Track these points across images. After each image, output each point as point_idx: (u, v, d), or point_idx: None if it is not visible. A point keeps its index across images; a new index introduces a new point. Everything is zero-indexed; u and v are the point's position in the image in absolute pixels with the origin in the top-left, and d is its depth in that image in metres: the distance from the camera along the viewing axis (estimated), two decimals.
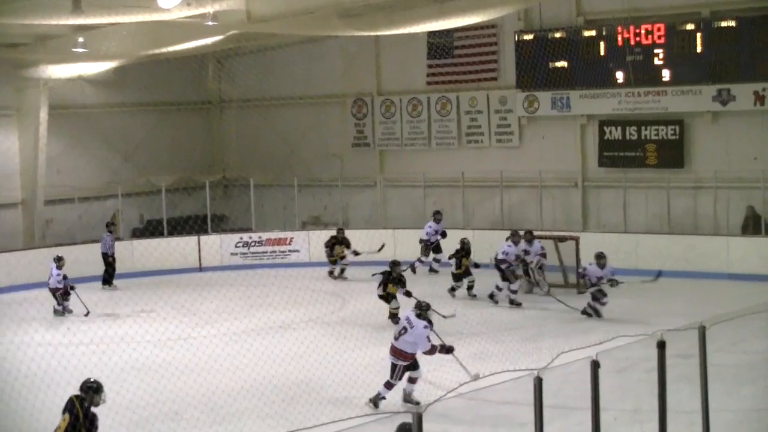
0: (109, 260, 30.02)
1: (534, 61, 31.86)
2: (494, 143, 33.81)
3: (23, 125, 33.44)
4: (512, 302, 25.22)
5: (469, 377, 16.69)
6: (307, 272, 31.14)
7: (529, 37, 32.08)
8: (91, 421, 12.22)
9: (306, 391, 17.68)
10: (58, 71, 32.25)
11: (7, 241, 32.02)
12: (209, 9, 25.51)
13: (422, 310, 16.89)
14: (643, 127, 30.64)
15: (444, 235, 29.60)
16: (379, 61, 36.15)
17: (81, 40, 28.23)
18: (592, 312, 23.42)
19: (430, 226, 29.98)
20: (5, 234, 32.46)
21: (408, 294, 22.87)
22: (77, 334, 22.67)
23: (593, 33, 30.87)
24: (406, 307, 19.96)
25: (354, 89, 36.60)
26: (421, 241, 30.09)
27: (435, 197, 33.98)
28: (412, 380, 16.70)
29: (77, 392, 12.30)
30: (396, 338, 16.76)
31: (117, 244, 30.51)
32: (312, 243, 31.66)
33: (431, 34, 33.06)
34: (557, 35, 31.49)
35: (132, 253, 31.75)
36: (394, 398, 16.63)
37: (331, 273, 30.48)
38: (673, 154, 30.32)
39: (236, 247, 33.26)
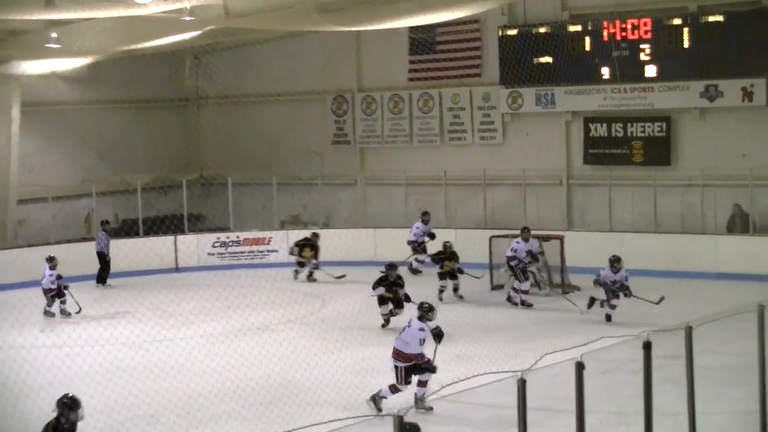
0: (106, 259, 29.99)
1: (518, 57, 31.64)
2: (477, 140, 33.59)
3: None
4: (523, 303, 24.82)
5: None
6: (286, 273, 30.74)
7: (512, 32, 31.84)
8: None
9: (285, 394, 17.53)
10: (30, 67, 31.90)
11: None
12: (186, 4, 25.26)
13: (422, 311, 16.67)
14: (629, 124, 30.49)
15: (432, 236, 29.48)
16: (359, 56, 35.93)
17: (54, 35, 27.82)
18: (611, 313, 22.70)
19: (417, 227, 29.83)
20: None
21: (407, 299, 22.62)
22: (50, 336, 22.80)
23: (578, 28, 30.71)
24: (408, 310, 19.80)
25: (334, 86, 36.35)
26: (409, 242, 29.79)
27: (417, 196, 33.80)
28: (421, 383, 16.36)
29: (53, 403, 11.70)
30: (396, 338, 16.69)
31: (92, 244, 30.34)
32: (291, 243, 31.16)
33: (413, 29, 32.85)
34: (542, 30, 31.28)
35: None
36: (390, 398, 16.32)
37: (296, 273, 29.98)
38: (659, 152, 30.18)
39: (214, 247, 33.00)
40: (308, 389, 17.75)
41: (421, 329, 16.36)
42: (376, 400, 16.25)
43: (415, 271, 29.59)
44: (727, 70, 28.62)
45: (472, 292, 25.94)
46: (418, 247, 29.62)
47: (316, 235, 30.17)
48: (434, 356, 16.46)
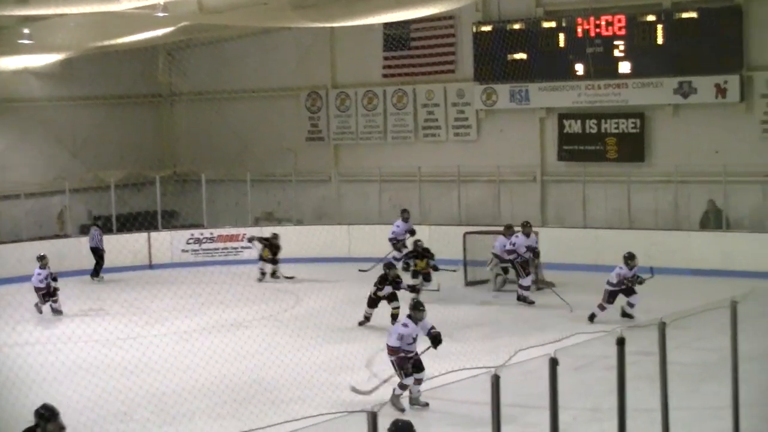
0: (100, 254, 30.18)
1: (492, 53, 31.56)
2: (451, 137, 33.52)
3: None
4: (524, 299, 24.63)
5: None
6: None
7: (487, 28, 31.79)
8: None
9: (259, 391, 17.45)
10: (2, 63, 31.65)
11: None
12: (159, 0, 24.99)
13: (410, 308, 16.70)
14: (603, 121, 30.48)
15: (413, 233, 29.13)
16: (334, 53, 35.77)
17: (27, 31, 27.75)
18: (630, 314, 22.28)
19: (398, 225, 29.57)
20: None
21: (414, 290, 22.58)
22: (23, 333, 22.55)
23: (553, 24, 30.73)
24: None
25: (308, 82, 36.18)
26: (389, 240, 29.58)
27: (391, 192, 33.68)
28: (417, 381, 16.28)
29: (26, 401, 11.38)
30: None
31: (64, 241, 30.22)
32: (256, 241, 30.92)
33: (387, 25, 32.71)
34: (516, 27, 31.27)
35: (80, 250, 31.07)
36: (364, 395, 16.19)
37: (262, 273, 29.67)
38: (633, 148, 30.20)
39: (187, 243, 32.88)
40: (282, 386, 17.69)
41: (404, 325, 16.33)
42: (394, 402, 15.97)
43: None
44: (701, 67, 28.66)
45: (447, 288, 25.80)
46: (398, 244, 29.45)
47: (275, 236, 29.90)
48: (420, 353, 16.48)
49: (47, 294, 25.14)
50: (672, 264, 27.13)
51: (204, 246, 32.80)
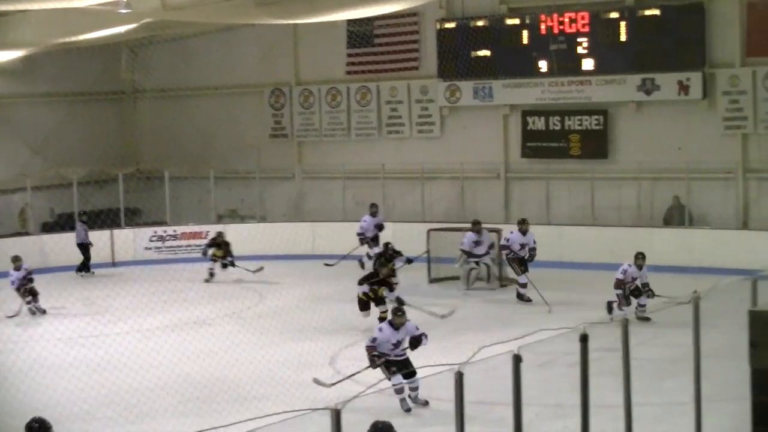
0: (87, 249, 30.34)
1: (456, 50, 31.60)
2: (415, 134, 33.50)
3: None
4: (521, 297, 24.42)
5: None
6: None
7: (451, 25, 31.83)
8: None
9: (223, 389, 17.47)
10: None
11: None
12: None
13: (391, 313, 16.71)
14: (566, 118, 30.59)
15: (381, 228, 28.93)
16: (297, 49, 35.66)
17: None
18: (646, 317, 21.62)
19: (365, 220, 29.14)
20: None
21: (400, 302, 20.95)
22: None
23: (516, 21, 30.76)
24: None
25: (271, 79, 36.07)
26: (357, 234, 29.20)
27: (355, 189, 33.61)
28: (412, 389, 16.19)
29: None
30: None
31: (26, 239, 30.01)
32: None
33: (351, 22, 32.72)
34: (480, 24, 31.29)
35: (42, 248, 30.96)
36: (327, 393, 16.05)
37: (211, 274, 29.37)
38: (596, 145, 30.31)
39: (150, 241, 32.79)
40: (245, 384, 17.66)
41: (379, 329, 16.28)
42: (401, 404, 15.88)
43: (363, 265, 29.15)
44: (664, 64, 28.80)
45: (409, 285, 25.63)
46: (365, 239, 29.23)
47: (221, 234, 29.83)
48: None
49: (26, 293, 24.91)
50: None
51: (167, 243, 32.71)
